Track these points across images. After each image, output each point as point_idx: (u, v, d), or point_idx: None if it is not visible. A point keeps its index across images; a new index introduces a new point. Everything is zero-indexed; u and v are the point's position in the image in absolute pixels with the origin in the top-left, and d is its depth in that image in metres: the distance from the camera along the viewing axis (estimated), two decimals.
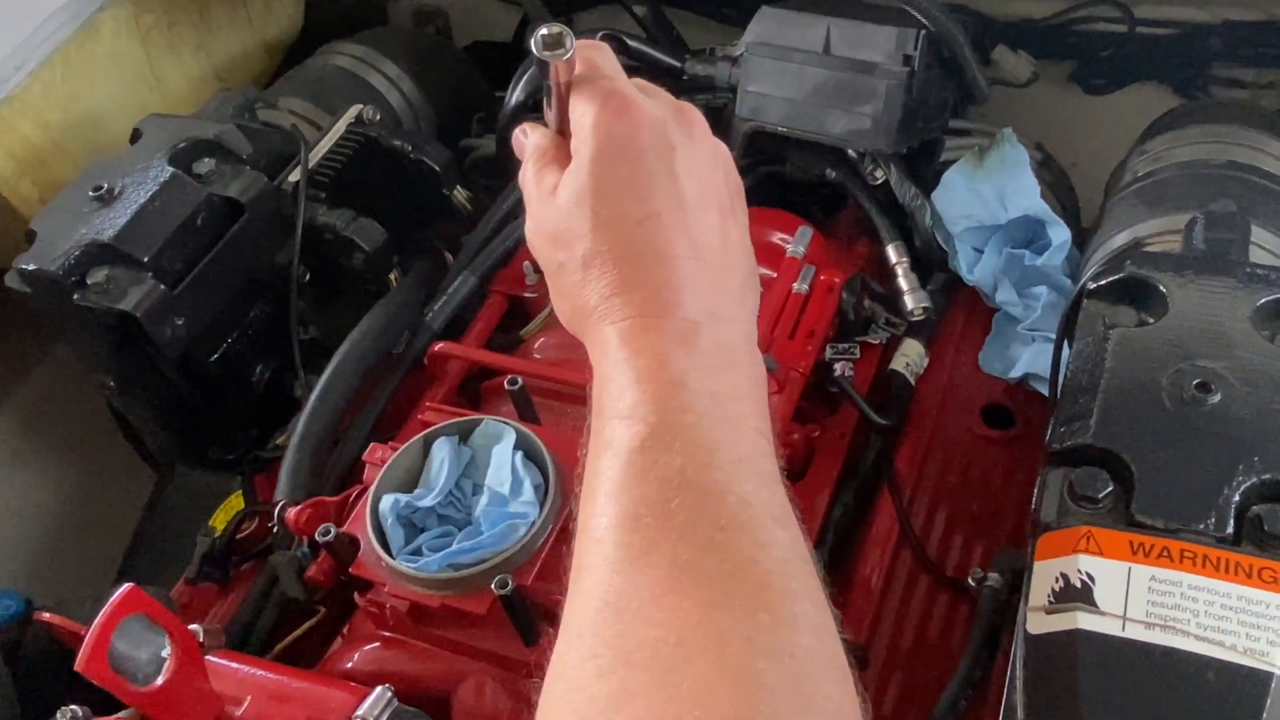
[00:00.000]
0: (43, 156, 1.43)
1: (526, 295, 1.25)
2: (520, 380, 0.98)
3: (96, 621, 0.76)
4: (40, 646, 1.12)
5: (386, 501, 0.92)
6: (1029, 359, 1.13)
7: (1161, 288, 0.86)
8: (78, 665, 0.75)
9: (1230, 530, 0.72)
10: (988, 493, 1.13)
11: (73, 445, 1.62)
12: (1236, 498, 0.73)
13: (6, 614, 1.15)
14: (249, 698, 0.87)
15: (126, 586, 0.79)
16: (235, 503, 1.22)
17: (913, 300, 1.18)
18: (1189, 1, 1.50)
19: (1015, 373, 1.14)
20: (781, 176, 1.32)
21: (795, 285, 1.13)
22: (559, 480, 0.91)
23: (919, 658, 1.02)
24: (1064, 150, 1.51)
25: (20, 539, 1.56)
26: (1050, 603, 0.72)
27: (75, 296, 1.10)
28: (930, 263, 1.24)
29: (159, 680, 0.80)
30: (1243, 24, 1.48)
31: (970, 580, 1.00)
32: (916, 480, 1.13)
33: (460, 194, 1.32)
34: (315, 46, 1.71)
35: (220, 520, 1.18)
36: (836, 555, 1.08)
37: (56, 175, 1.45)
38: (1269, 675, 0.65)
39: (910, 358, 1.17)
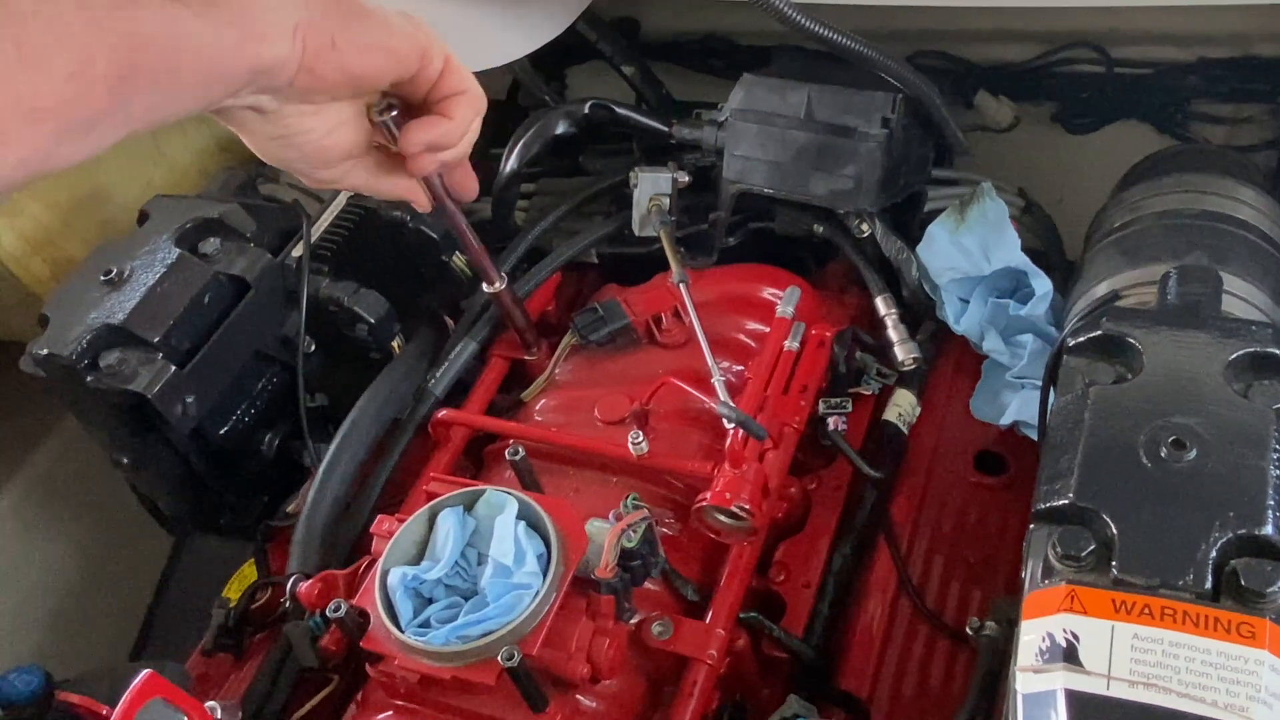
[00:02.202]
0: (52, 235, 1.48)
1: (527, 358, 1.28)
2: (521, 450, 1.01)
3: (117, 712, 0.79)
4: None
5: (394, 575, 0.95)
6: (1019, 406, 1.16)
7: (1137, 344, 0.88)
8: None
9: (1209, 586, 0.74)
10: (984, 539, 1.15)
11: (86, 513, 1.65)
12: (1214, 553, 0.75)
13: (28, 690, 1.17)
14: None
15: (145, 673, 0.82)
16: (249, 572, 1.25)
17: (903, 351, 1.21)
18: (1166, 41, 1.54)
19: (1006, 419, 1.17)
20: (771, 231, 1.35)
21: (787, 343, 1.16)
22: (561, 549, 0.94)
23: (920, 707, 1.04)
24: (1049, 189, 1.54)
25: (38, 609, 1.58)
26: (1038, 662, 0.74)
27: (88, 379, 1.14)
28: (919, 312, 1.27)
29: None
30: (1219, 61, 1.52)
31: (968, 630, 1.02)
32: (913, 529, 1.16)
33: (459, 260, 1.36)
34: None
35: (234, 591, 1.21)
36: (837, 606, 1.11)
37: (67, 252, 1.49)
38: None
39: (902, 408, 1.20)
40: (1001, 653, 1.00)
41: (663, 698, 1.02)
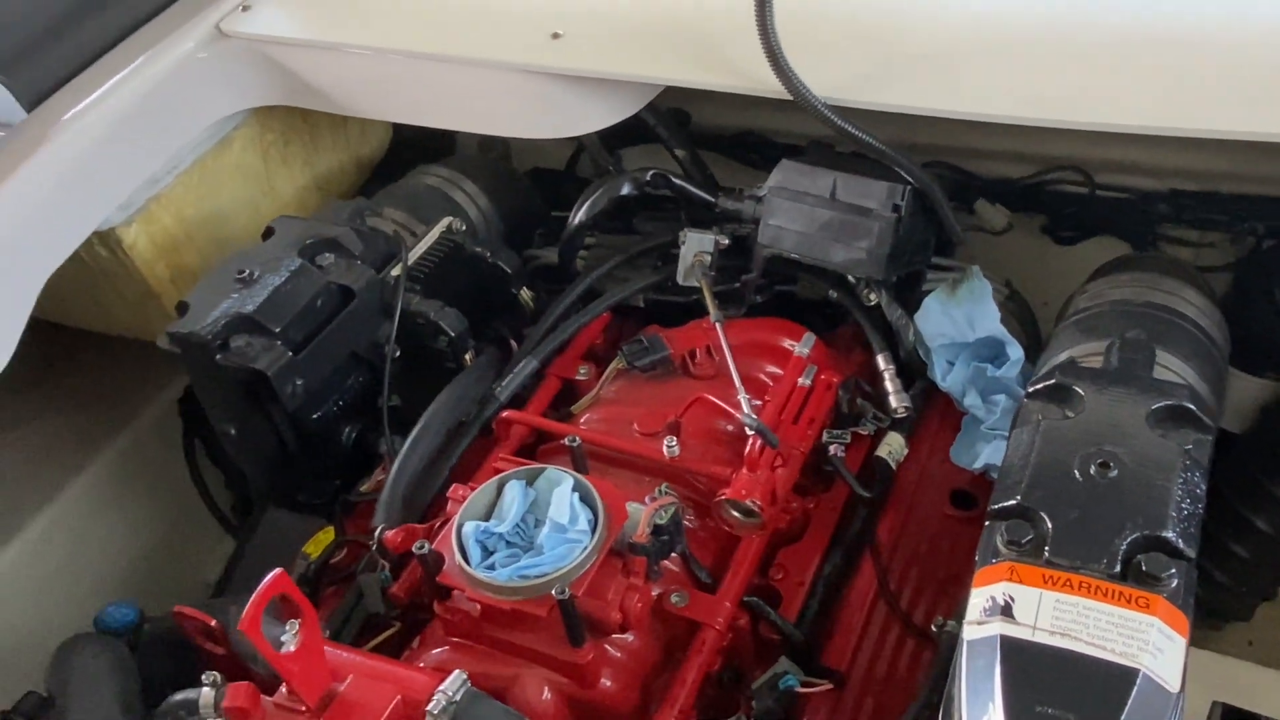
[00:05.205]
0: (177, 244, 1.72)
1: (578, 379, 1.51)
2: (579, 439, 1.23)
3: (256, 592, 0.99)
4: (149, 646, 1.36)
5: (468, 527, 1.16)
6: (990, 453, 1.37)
7: (1081, 392, 1.11)
8: (240, 624, 0.98)
9: (1118, 570, 0.95)
10: (953, 562, 1.36)
11: (151, 498, 1.86)
12: (1124, 547, 0.96)
13: (125, 620, 1.38)
14: (350, 676, 1.09)
15: (276, 571, 1.03)
16: (324, 537, 1.45)
17: (897, 400, 1.43)
18: (1142, 172, 1.78)
19: (978, 464, 1.38)
20: (793, 295, 1.59)
21: (800, 380, 1.38)
22: (606, 518, 1.15)
23: (888, 686, 1.23)
24: (1036, 291, 1.76)
25: (106, 579, 1.78)
26: (982, 617, 0.95)
27: (218, 357, 1.37)
28: (913, 371, 1.49)
29: (291, 647, 1.03)
30: (1187, 193, 1.76)
31: (933, 627, 1.22)
32: (894, 548, 1.37)
33: (525, 294, 1.60)
34: (397, 164, 2.02)
35: (313, 549, 1.41)
36: (825, 604, 1.31)
37: (185, 261, 1.74)
38: (1135, 671, 0.88)
39: (893, 447, 1.42)
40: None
41: (672, 662, 1.22)
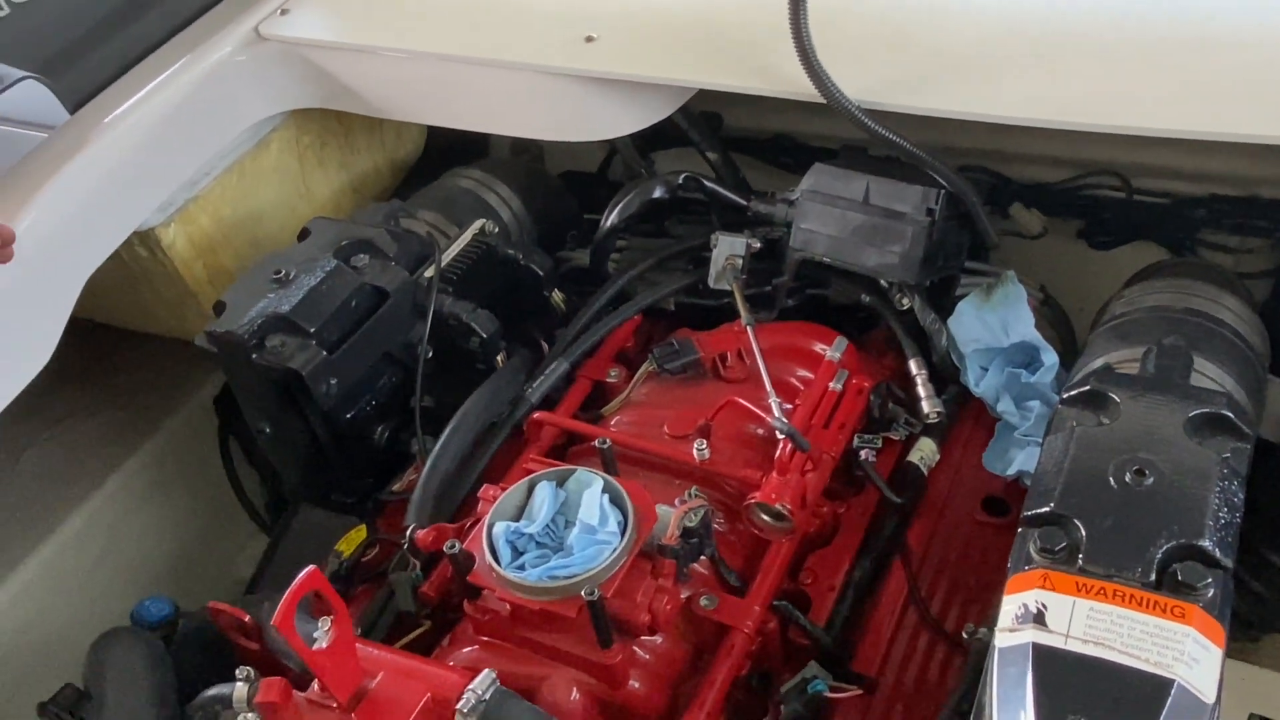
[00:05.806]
0: (214, 245, 1.74)
1: (608, 381, 1.51)
2: (609, 441, 1.23)
3: (290, 589, 1.01)
4: (184, 640, 1.38)
5: (498, 527, 1.16)
6: (1023, 460, 1.36)
7: (1117, 398, 1.10)
8: (274, 620, 0.99)
9: (1153, 578, 0.94)
10: (984, 569, 1.35)
11: (187, 494, 1.89)
12: (1159, 555, 0.95)
13: (161, 614, 1.40)
14: (381, 673, 1.10)
15: (310, 568, 1.04)
16: (357, 535, 1.46)
17: (929, 406, 1.43)
18: (1180, 177, 1.76)
19: (1011, 471, 1.37)
20: (825, 299, 1.59)
21: (831, 384, 1.38)
22: (636, 520, 1.15)
23: (918, 693, 1.23)
24: (1072, 296, 1.75)
25: (144, 573, 1.80)
26: (1014, 624, 0.94)
27: (254, 356, 1.38)
28: (945, 376, 1.49)
29: (324, 644, 1.04)
30: (1226, 198, 1.73)
31: (964, 634, 1.21)
32: (924, 553, 1.36)
33: (557, 296, 1.61)
34: (431, 167, 2.04)
35: (346, 547, 1.43)
36: (855, 609, 1.30)
37: (221, 261, 1.76)
38: (1170, 681, 0.87)
39: (925, 453, 1.41)
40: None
41: (701, 665, 1.22)
